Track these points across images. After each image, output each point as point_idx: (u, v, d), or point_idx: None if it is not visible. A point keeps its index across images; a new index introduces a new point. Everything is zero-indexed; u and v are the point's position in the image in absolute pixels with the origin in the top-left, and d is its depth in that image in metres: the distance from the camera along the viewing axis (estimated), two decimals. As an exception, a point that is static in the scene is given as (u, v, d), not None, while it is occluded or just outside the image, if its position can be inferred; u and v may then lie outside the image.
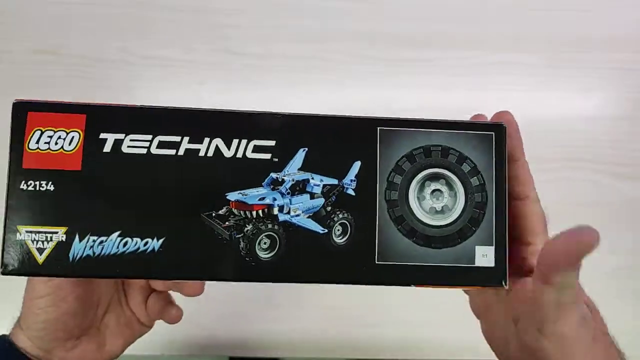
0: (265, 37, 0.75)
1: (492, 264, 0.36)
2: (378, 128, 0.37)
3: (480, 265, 0.36)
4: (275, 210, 0.37)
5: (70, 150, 0.34)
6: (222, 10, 0.76)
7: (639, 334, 0.64)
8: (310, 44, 0.74)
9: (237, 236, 0.36)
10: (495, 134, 0.37)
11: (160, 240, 0.34)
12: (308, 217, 0.37)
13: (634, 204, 0.73)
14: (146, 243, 0.34)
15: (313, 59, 0.74)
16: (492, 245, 0.36)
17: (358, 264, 0.36)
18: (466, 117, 0.39)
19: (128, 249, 0.34)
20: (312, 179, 0.37)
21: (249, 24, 0.76)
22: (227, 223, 0.36)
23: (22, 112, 0.34)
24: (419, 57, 0.76)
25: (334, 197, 0.37)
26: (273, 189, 0.36)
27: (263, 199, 0.36)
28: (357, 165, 0.37)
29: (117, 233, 0.34)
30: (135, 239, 0.34)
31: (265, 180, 0.36)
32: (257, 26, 0.76)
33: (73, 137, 0.34)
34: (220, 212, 0.36)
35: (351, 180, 0.36)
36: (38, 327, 0.41)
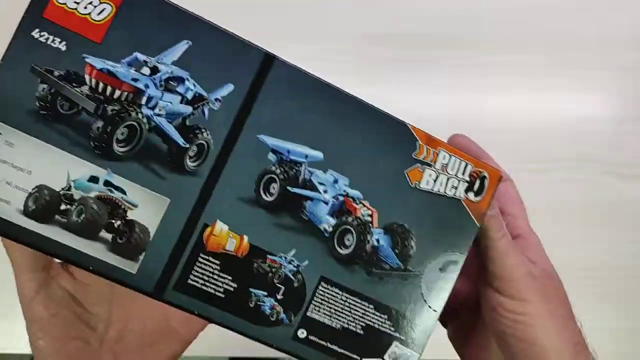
0: (265, 37, 0.74)
1: None
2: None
3: None
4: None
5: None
6: (222, 10, 0.75)
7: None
8: (311, 44, 0.74)
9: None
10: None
11: None
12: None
13: (635, 204, 0.72)
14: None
15: (313, 59, 0.68)
16: None
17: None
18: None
19: None
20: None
21: (249, 24, 0.75)
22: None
23: None
24: (419, 57, 0.75)
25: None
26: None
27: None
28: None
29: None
30: None
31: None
32: (257, 26, 0.74)
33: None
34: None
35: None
36: None
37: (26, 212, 0.32)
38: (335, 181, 0.36)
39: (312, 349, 0.36)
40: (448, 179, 0.37)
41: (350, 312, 0.36)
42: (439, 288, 0.37)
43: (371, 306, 0.36)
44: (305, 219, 0.36)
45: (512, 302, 0.37)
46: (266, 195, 0.35)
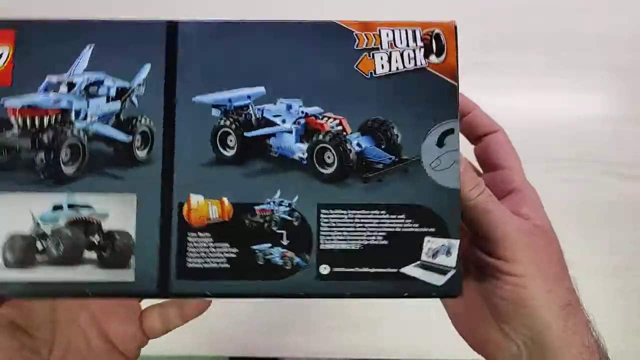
0: None
1: None
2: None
3: None
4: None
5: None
6: (223, 10, 0.76)
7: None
8: None
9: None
10: None
11: None
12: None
13: (635, 204, 0.71)
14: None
15: None
16: None
17: None
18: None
19: None
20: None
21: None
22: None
23: None
24: None
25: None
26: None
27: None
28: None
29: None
30: None
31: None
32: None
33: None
34: None
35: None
36: None
37: (7, 264, 0.32)
38: (289, 107, 0.34)
39: (342, 281, 0.33)
40: (401, 53, 0.34)
41: (364, 227, 0.33)
42: (446, 164, 0.33)
43: (383, 212, 0.33)
44: (275, 156, 0.34)
45: (499, 263, 0.34)
46: (226, 150, 0.33)
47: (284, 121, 0.34)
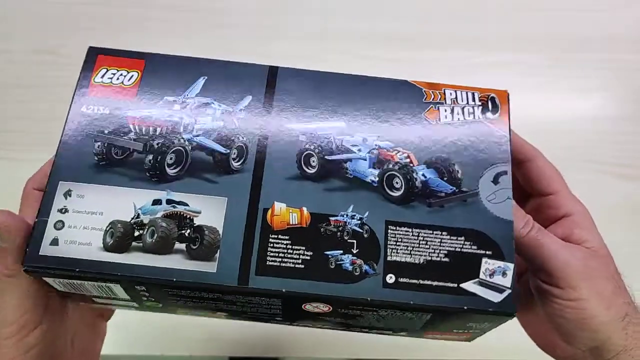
0: (265, 37, 0.76)
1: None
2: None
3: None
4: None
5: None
6: (223, 10, 0.79)
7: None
8: (311, 44, 0.75)
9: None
10: None
11: None
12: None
13: (635, 204, 0.71)
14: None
15: (313, 59, 0.72)
16: None
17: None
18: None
19: None
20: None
21: (249, 24, 0.78)
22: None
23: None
24: (419, 57, 0.75)
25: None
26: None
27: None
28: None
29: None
30: None
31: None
32: (257, 26, 0.78)
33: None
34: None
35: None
36: None
37: (106, 247, 0.35)
38: (365, 140, 0.39)
39: (406, 290, 0.35)
40: (463, 108, 0.40)
41: (427, 244, 0.36)
42: (500, 198, 0.38)
43: (444, 233, 0.37)
44: (350, 177, 0.38)
45: (558, 291, 0.37)
46: (309, 169, 0.38)
47: (359, 150, 0.39)
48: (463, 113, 0.40)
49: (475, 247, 0.37)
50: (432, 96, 0.41)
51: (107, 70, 0.40)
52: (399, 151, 0.39)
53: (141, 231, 0.36)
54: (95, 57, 0.41)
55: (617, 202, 0.70)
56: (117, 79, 0.40)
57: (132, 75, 0.40)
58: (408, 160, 0.39)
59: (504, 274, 0.36)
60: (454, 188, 0.38)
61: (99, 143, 0.38)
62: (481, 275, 0.36)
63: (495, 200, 0.38)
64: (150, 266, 0.35)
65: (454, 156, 0.39)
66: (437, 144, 0.39)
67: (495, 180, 0.38)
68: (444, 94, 0.41)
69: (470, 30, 0.78)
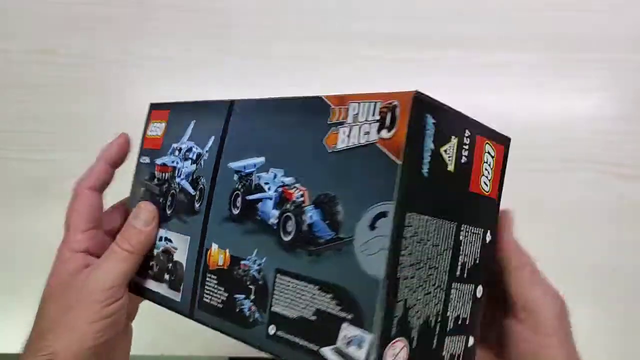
0: (266, 37, 0.78)
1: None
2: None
3: None
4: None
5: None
6: (222, 10, 0.79)
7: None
8: (311, 44, 0.76)
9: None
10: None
11: None
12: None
13: (635, 204, 0.72)
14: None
15: (313, 58, 0.75)
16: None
17: None
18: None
19: None
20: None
21: (249, 24, 0.78)
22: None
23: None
24: (419, 57, 0.76)
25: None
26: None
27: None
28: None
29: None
30: None
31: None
32: (257, 26, 0.78)
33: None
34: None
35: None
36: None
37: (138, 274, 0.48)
38: (275, 176, 0.37)
39: (282, 345, 0.35)
40: (360, 127, 0.33)
41: (301, 298, 0.34)
42: (373, 249, 0.31)
43: (316, 287, 0.33)
44: (259, 219, 0.38)
45: (532, 335, 0.38)
46: (235, 210, 0.40)
47: (269, 188, 0.38)
48: (359, 134, 0.33)
49: (339, 309, 0.32)
50: (337, 115, 0.34)
51: (153, 124, 0.50)
52: (297, 188, 0.36)
53: (152, 262, 0.47)
54: (151, 112, 0.51)
55: (617, 202, 0.72)
56: (153, 131, 0.50)
57: (162, 126, 0.49)
58: (302, 199, 0.35)
59: (359, 345, 0.30)
60: (333, 234, 0.33)
61: (143, 188, 0.49)
62: (338, 343, 0.31)
63: (368, 252, 0.31)
64: (154, 291, 0.46)
65: (341, 191, 0.33)
66: (329, 177, 0.34)
67: (372, 225, 0.31)
68: (347, 109, 0.34)
69: (470, 30, 0.79)
